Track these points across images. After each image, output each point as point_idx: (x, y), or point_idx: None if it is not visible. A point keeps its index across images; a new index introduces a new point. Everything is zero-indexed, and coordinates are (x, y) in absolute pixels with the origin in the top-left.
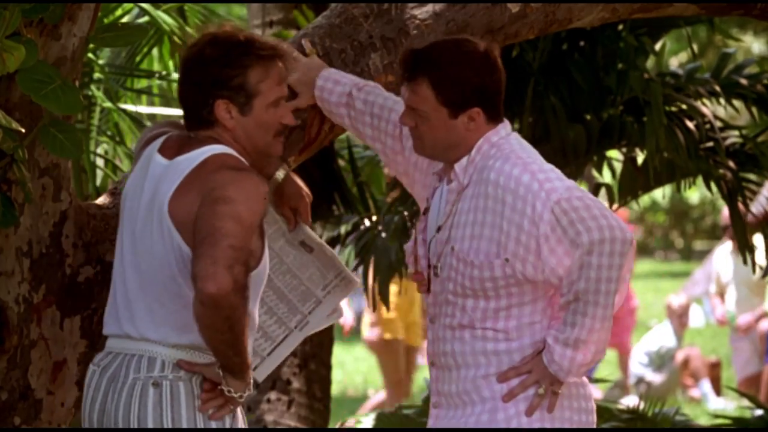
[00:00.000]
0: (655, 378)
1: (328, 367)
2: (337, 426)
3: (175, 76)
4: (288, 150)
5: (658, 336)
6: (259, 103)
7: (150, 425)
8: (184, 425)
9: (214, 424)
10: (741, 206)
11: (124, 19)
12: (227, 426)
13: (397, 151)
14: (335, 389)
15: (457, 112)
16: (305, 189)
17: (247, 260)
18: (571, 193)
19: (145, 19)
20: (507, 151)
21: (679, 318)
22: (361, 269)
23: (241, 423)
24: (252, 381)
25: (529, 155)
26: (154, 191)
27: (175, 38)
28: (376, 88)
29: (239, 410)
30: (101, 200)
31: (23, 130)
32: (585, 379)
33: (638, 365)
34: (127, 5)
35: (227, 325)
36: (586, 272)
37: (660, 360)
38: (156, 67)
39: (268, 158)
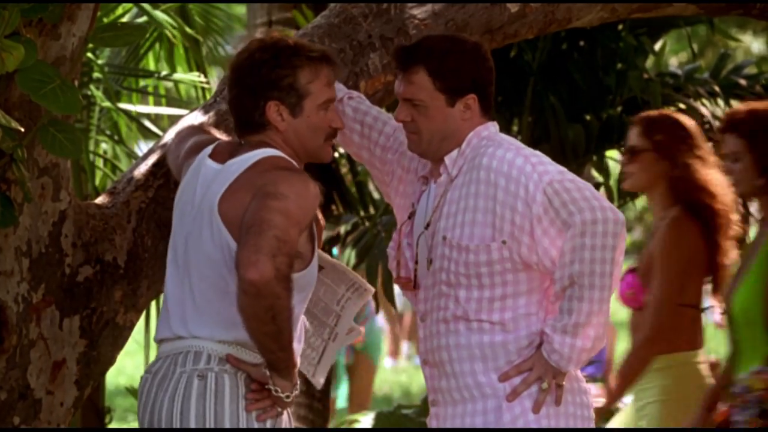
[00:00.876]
0: None
1: None
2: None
3: (175, 75)
4: None
5: None
6: (310, 104)
7: (192, 418)
8: (227, 417)
9: (255, 422)
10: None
11: (124, 19)
12: (269, 423)
13: (384, 161)
14: None
15: (454, 99)
16: (320, 214)
17: (290, 253)
18: (564, 176)
19: (144, 18)
20: (498, 140)
21: None
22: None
23: (285, 424)
24: (298, 382)
25: (520, 144)
26: (204, 193)
27: (172, 37)
28: (365, 100)
29: (286, 412)
30: (100, 200)
31: (22, 130)
32: (580, 374)
33: None
34: (127, 5)
35: (270, 315)
36: (580, 254)
37: None
38: (155, 66)
39: (316, 162)
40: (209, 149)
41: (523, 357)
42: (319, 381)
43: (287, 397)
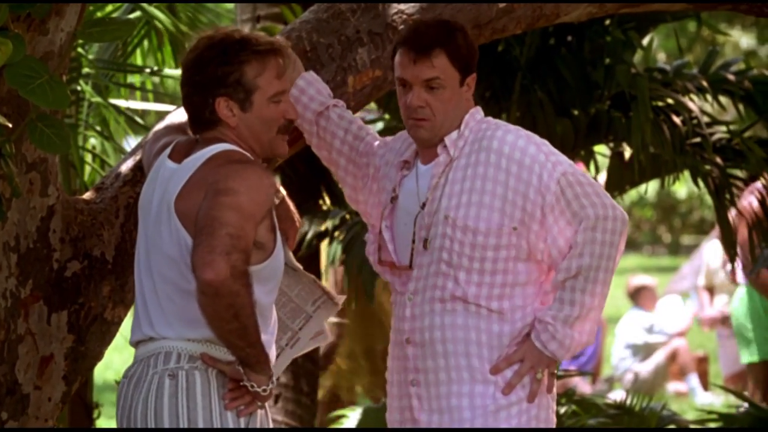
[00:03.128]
0: (643, 368)
1: (315, 362)
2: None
3: (166, 71)
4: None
5: (632, 325)
6: (259, 98)
7: (165, 416)
8: (200, 414)
9: (230, 414)
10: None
11: (114, 14)
12: (242, 421)
13: (359, 165)
14: None
15: (464, 78)
16: (297, 215)
17: (246, 248)
18: (574, 169)
19: (137, 14)
20: (503, 124)
21: (643, 296)
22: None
23: (261, 419)
24: (274, 374)
25: (523, 129)
26: (162, 193)
27: (165, 32)
28: (348, 109)
29: (262, 409)
30: (88, 195)
31: (11, 125)
32: None
33: (622, 360)
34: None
35: (231, 313)
36: (591, 247)
37: (645, 349)
38: (143, 61)
39: (274, 158)
40: (169, 149)
41: (513, 348)
42: None
43: (264, 391)
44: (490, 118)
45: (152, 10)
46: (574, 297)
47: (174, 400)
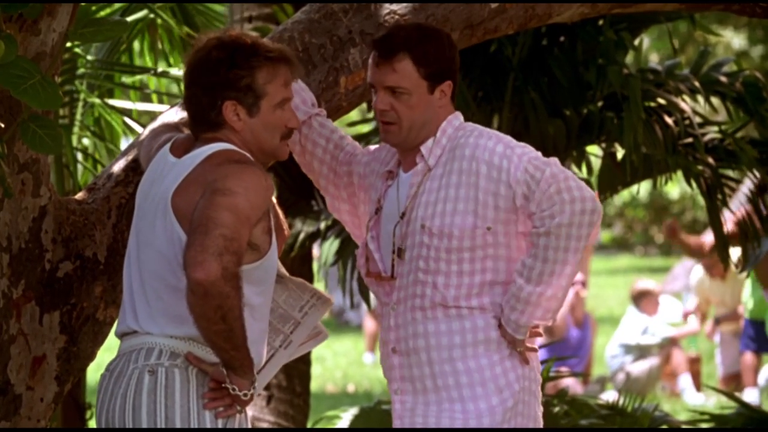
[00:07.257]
0: (634, 368)
1: (307, 363)
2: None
3: (168, 71)
4: None
5: (628, 326)
6: (266, 104)
7: (143, 413)
8: (177, 412)
9: (207, 414)
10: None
11: (118, 13)
12: (220, 422)
13: (341, 175)
14: (315, 385)
15: (434, 86)
16: (285, 224)
17: (238, 251)
18: (546, 158)
19: (141, 14)
20: (478, 129)
21: (649, 302)
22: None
23: (240, 422)
24: (257, 380)
25: (498, 132)
26: (159, 187)
27: (164, 33)
28: (328, 119)
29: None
30: (80, 195)
31: (3, 126)
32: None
33: (615, 358)
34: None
35: (219, 314)
36: (544, 253)
37: (637, 350)
38: (141, 61)
39: (274, 161)
40: (169, 144)
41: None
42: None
43: (245, 395)
44: (468, 124)
45: (159, 11)
46: (522, 293)
47: (152, 397)
